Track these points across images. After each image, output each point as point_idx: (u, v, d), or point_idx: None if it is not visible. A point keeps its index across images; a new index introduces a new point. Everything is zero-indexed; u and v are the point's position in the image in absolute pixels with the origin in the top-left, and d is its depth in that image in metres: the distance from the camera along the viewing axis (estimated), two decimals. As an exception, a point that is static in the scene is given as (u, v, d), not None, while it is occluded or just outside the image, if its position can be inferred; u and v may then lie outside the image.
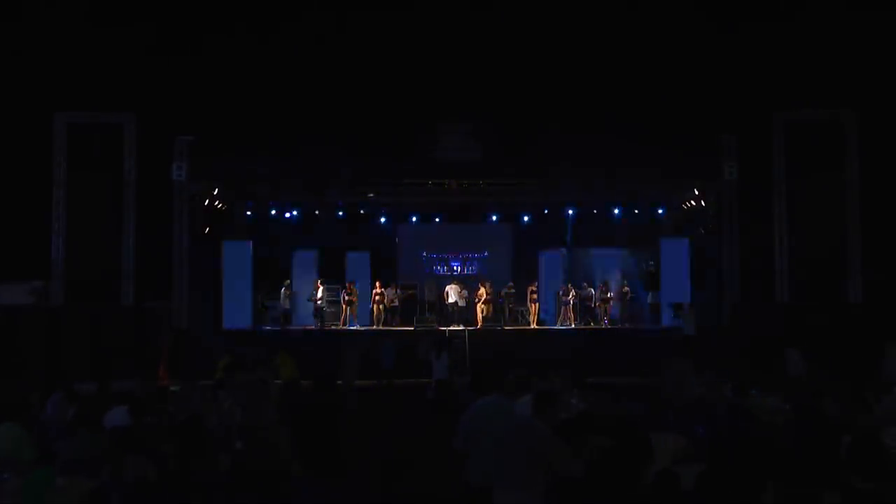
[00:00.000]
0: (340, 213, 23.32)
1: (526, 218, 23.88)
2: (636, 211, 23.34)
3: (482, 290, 21.37)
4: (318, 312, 21.37)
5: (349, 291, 21.20)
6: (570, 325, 21.41)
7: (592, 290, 22.21)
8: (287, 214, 23.38)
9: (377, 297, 21.29)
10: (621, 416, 7.82)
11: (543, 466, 5.43)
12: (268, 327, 21.45)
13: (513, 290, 22.04)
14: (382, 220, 23.92)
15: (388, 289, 21.75)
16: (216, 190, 20.76)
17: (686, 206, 21.67)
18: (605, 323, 21.82)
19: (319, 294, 21.41)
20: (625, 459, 5.25)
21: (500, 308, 21.91)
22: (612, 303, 22.06)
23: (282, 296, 21.36)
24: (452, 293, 21.54)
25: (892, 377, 14.35)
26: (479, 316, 21.20)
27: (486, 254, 24.51)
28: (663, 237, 22.09)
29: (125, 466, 5.90)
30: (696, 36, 20.40)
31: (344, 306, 21.28)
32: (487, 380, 6.97)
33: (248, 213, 23.23)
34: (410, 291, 22.49)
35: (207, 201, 20.70)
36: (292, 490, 6.46)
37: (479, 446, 6.01)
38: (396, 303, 21.72)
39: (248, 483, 6.33)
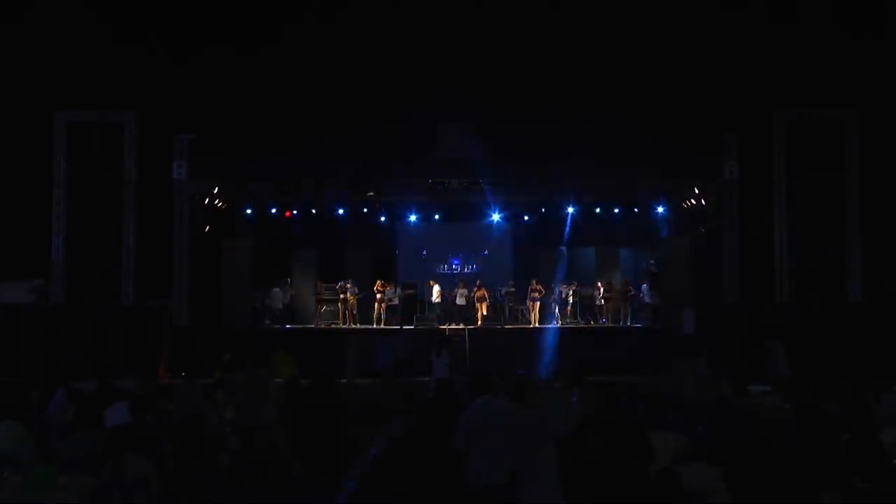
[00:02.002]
0: (340, 213, 23.32)
1: (526, 218, 23.86)
2: (636, 210, 23.32)
3: (482, 290, 21.36)
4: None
5: (342, 290, 21.22)
6: (570, 323, 21.39)
7: (593, 290, 22.19)
8: (287, 214, 23.37)
9: (378, 296, 21.29)
10: (621, 415, 7.82)
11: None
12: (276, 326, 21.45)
13: (513, 290, 22.03)
14: (382, 219, 23.91)
15: (388, 288, 21.75)
16: (216, 189, 20.75)
17: (686, 205, 21.67)
18: (603, 321, 21.81)
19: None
20: (621, 458, 5.26)
21: (500, 307, 21.89)
22: (613, 302, 22.05)
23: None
24: (435, 291, 21.65)
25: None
26: (479, 315, 21.20)
27: (486, 253, 24.50)
28: (663, 237, 22.06)
29: (125, 465, 5.90)
30: (697, 35, 20.38)
31: (340, 305, 21.30)
32: (485, 379, 6.98)
33: (248, 212, 23.23)
34: (410, 291, 22.50)
35: (207, 201, 20.69)
36: (292, 490, 6.45)
37: (478, 446, 6.02)
38: (396, 302, 21.70)
39: (248, 482, 6.33)
